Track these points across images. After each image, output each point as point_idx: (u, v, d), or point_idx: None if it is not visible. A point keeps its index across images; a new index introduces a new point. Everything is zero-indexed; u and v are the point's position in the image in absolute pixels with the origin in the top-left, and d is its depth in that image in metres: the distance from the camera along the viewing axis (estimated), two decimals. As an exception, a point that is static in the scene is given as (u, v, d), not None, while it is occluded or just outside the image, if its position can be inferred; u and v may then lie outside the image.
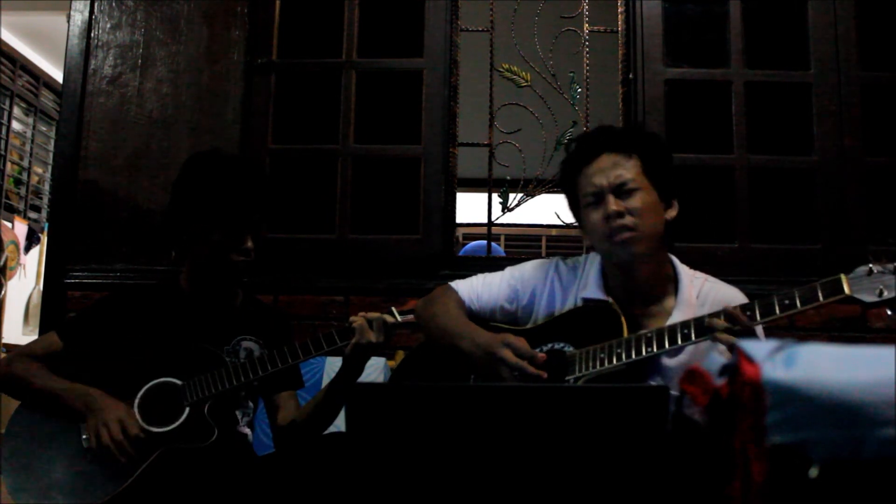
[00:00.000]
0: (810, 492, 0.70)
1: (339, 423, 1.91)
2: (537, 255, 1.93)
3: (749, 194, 2.69)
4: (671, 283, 1.70)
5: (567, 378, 1.60)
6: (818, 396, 0.70)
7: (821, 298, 1.42)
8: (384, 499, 1.00)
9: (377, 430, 1.01)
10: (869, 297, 1.39)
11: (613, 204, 1.63)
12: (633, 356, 1.54)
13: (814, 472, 0.70)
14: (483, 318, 1.80)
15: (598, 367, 1.56)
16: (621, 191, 1.65)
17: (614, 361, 1.55)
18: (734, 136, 2.72)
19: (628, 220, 1.63)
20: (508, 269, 1.84)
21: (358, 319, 1.75)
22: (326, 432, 1.87)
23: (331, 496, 1.45)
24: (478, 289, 1.82)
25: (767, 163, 2.72)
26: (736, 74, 2.75)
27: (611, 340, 1.58)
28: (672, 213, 1.70)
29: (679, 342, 1.51)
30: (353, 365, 1.78)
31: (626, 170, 1.66)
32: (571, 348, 1.64)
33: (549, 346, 1.67)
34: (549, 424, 0.99)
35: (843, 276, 1.42)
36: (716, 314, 1.51)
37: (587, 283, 1.73)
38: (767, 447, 0.71)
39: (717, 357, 1.49)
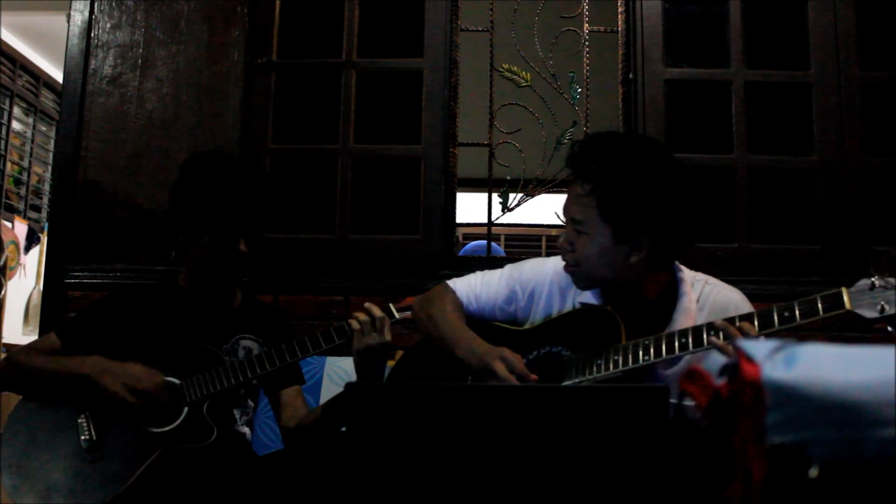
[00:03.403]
0: (810, 492, 0.70)
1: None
2: (537, 255, 1.92)
3: (749, 194, 2.69)
4: (671, 289, 1.66)
5: (563, 383, 1.58)
6: (818, 396, 0.70)
7: (821, 312, 1.40)
8: (384, 498, 1.00)
9: (376, 429, 1.01)
10: (870, 313, 1.36)
11: (563, 238, 1.64)
12: (630, 364, 1.52)
13: (814, 472, 0.70)
14: (481, 318, 1.78)
15: (594, 373, 1.55)
16: (573, 225, 1.62)
17: (611, 368, 1.53)
18: (734, 136, 2.72)
19: (570, 256, 1.63)
20: (508, 268, 1.81)
21: (354, 323, 1.69)
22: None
23: (330, 496, 1.45)
24: (476, 289, 1.80)
25: (767, 163, 2.72)
26: (736, 74, 2.75)
27: (608, 347, 1.56)
28: (636, 257, 1.57)
29: (677, 352, 1.49)
30: (363, 375, 1.72)
31: (581, 208, 1.59)
32: (569, 353, 1.63)
33: (547, 349, 1.66)
34: (549, 425, 0.99)
35: (844, 290, 1.39)
36: (712, 326, 1.49)
37: None
38: (767, 447, 0.71)
39: (717, 357, 1.49)
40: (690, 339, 1.49)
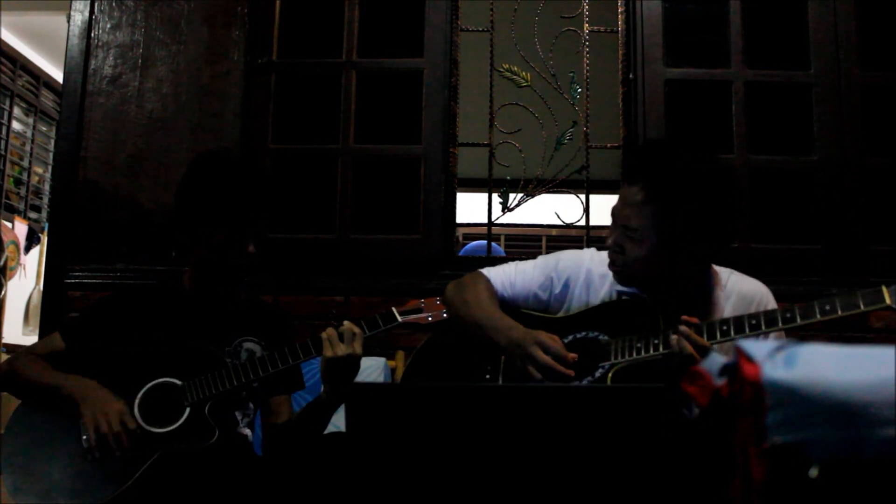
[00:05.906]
0: (810, 492, 0.70)
1: (340, 423, 1.90)
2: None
3: (749, 194, 2.69)
4: (700, 277, 1.71)
5: (601, 364, 1.62)
6: (818, 396, 0.70)
7: (861, 307, 1.45)
8: (384, 499, 1.00)
9: (377, 430, 1.01)
10: None
11: (611, 239, 1.66)
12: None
13: (814, 472, 0.70)
14: (515, 305, 1.80)
15: (633, 356, 1.59)
16: (625, 230, 1.63)
17: (651, 352, 1.57)
18: (734, 136, 2.72)
19: (618, 258, 1.66)
20: (542, 258, 1.84)
21: (326, 332, 1.67)
22: (326, 432, 1.85)
23: (331, 497, 1.45)
24: (511, 276, 1.82)
25: (768, 163, 2.73)
26: (736, 74, 2.75)
27: (647, 332, 1.59)
28: (682, 263, 1.63)
29: (718, 338, 1.53)
30: (330, 383, 1.68)
31: (638, 216, 1.61)
32: (606, 338, 1.66)
33: (584, 334, 1.69)
34: (550, 425, 0.99)
35: (884, 288, 1.45)
36: (752, 317, 1.53)
37: None
38: (767, 447, 0.71)
39: (717, 357, 1.50)
40: (732, 327, 1.53)
